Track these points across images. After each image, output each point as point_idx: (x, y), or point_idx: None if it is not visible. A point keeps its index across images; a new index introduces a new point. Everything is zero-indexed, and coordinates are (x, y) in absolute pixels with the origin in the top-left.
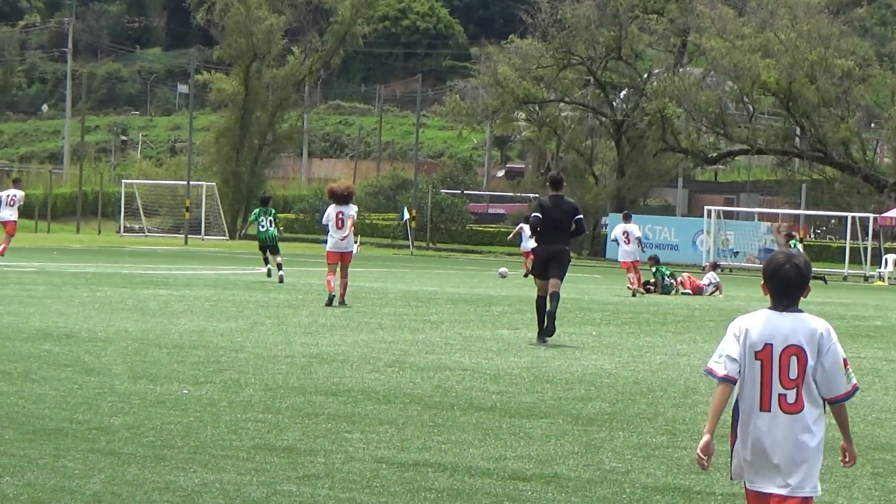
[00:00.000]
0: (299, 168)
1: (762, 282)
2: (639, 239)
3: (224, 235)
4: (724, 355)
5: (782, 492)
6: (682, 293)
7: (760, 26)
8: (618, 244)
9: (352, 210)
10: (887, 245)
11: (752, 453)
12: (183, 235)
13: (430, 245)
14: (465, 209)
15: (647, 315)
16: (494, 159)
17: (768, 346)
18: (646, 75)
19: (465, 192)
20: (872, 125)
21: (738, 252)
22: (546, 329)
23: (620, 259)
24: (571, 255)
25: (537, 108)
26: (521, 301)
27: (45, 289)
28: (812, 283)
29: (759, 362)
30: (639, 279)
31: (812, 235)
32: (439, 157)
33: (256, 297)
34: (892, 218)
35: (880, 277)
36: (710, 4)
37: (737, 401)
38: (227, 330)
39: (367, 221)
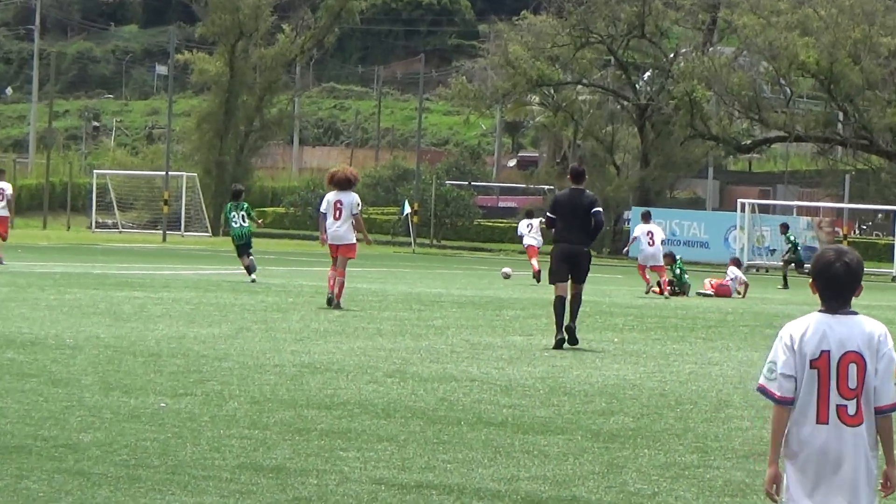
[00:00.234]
0: (290, 157)
1: (810, 280)
2: (662, 241)
3: (206, 232)
4: (779, 372)
5: None
6: (700, 293)
7: (798, 1)
8: (640, 244)
9: (352, 198)
10: None
11: (809, 468)
12: (161, 232)
13: (434, 242)
14: (472, 202)
15: (675, 320)
16: (505, 147)
17: (825, 354)
18: (672, 55)
19: (473, 183)
20: None
21: (774, 250)
22: (567, 340)
23: (641, 261)
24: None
25: (552, 92)
26: (535, 304)
27: (8, 291)
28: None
29: (815, 371)
30: (664, 283)
31: (857, 231)
32: (444, 145)
33: (242, 300)
34: None
35: None
36: None
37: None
38: (210, 336)
39: (365, 216)
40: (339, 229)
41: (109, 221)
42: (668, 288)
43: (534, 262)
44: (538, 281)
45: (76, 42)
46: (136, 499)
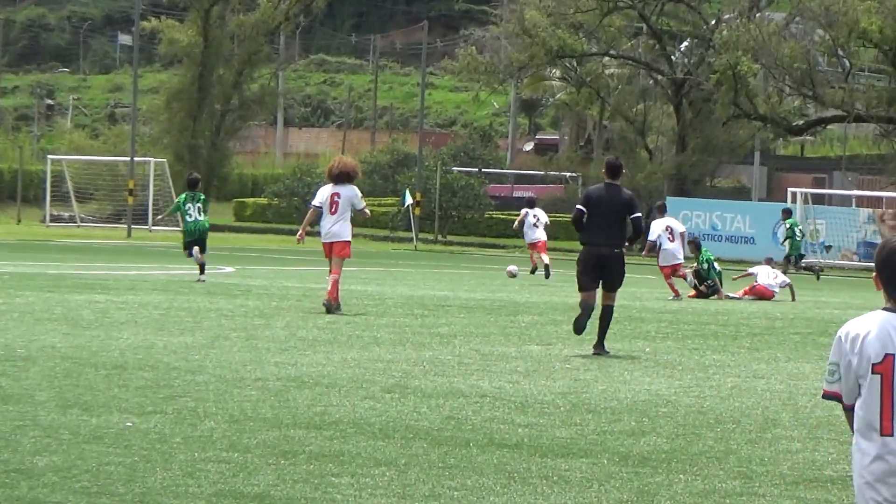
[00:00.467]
0: (273, 140)
1: (874, 274)
2: (682, 235)
3: (177, 226)
4: (840, 374)
5: None
6: (729, 297)
7: None
8: (659, 244)
9: (351, 191)
10: None
11: (881, 487)
12: (126, 226)
13: (440, 238)
14: (483, 192)
15: (715, 326)
16: (521, 129)
17: (889, 357)
18: (713, 22)
19: (484, 170)
20: None
21: (830, 246)
22: (595, 346)
23: (662, 263)
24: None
25: (575, 64)
26: (554, 309)
27: None
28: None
29: (877, 376)
30: (682, 274)
31: None
32: (451, 127)
33: (218, 305)
34: None
35: None
36: None
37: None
38: (182, 346)
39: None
40: (335, 226)
41: (66, 214)
42: (695, 287)
43: (545, 256)
44: (547, 277)
45: (27, 7)
46: None
